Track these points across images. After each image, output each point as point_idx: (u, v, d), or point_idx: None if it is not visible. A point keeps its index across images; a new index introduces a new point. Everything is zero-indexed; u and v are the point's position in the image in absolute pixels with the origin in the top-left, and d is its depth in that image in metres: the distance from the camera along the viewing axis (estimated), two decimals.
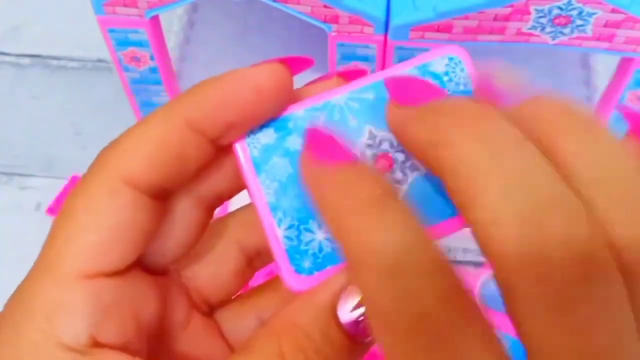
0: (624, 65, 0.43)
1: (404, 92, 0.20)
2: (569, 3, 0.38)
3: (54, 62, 0.61)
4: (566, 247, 0.17)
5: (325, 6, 0.40)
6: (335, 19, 0.41)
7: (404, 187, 0.22)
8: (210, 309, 0.26)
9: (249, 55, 0.58)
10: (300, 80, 0.26)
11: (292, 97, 0.23)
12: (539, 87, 0.21)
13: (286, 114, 0.23)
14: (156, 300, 0.23)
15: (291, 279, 0.22)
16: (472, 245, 0.53)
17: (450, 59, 0.24)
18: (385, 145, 0.22)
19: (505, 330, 0.46)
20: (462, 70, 0.23)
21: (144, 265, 0.23)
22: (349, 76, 0.24)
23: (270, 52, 0.58)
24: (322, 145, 0.20)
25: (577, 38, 0.40)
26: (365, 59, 0.44)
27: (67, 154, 0.55)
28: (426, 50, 0.42)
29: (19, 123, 0.57)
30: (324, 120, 0.23)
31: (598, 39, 0.40)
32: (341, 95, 0.23)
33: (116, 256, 0.21)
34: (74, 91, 0.59)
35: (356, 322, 0.20)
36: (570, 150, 0.18)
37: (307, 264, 0.22)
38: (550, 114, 0.19)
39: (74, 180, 0.51)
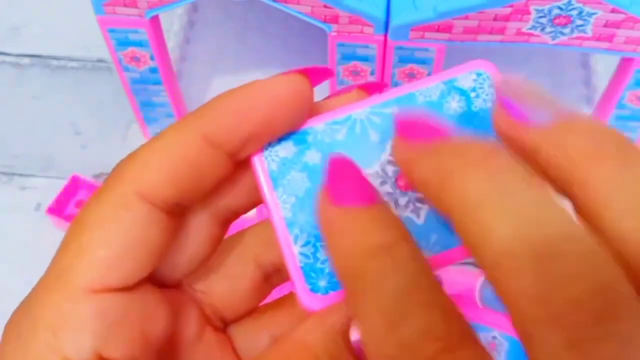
0: (624, 65, 0.43)
1: (412, 129, 0.20)
2: (569, 3, 0.38)
3: (54, 62, 0.61)
4: (583, 283, 0.16)
5: (325, 6, 0.40)
6: (335, 19, 0.41)
7: (425, 207, 0.22)
8: (224, 325, 0.25)
9: (249, 55, 0.58)
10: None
11: (312, 109, 0.23)
12: (566, 103, 0.20)
13: (306, 127, 0.23)
14: (166, 315, 0.22)
15: (306, 298, 0.21)
16: None
17: (479, 74, 0.23)
18: None
19: (505, 330, 0.46)
20: (490, 86, 0.23)
21: (155, 279, 0.23)
22: (370, 89, 0.24)
23: (270, 52, 0.58)
24: (342, 182, 0.20)
25: (577, 38, 0.40)
26: (365, 59, 0.44)
27: (67, 154, 0.55)
28: (426, 50, 0.42)
29: (19, 123, 0.57)
30: (344, 134, 0.22)
31: (598, 39, 0.40)
32: (362, 109, 0.23)
33: (126, 272, 0.21)
34: (74, 91, 0.59)
35: None
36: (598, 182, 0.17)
37: (322, 282, 0.21)
38: (580, 148, 0.18)
39: (74, 180, 0.51)
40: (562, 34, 0.40)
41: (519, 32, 0.40)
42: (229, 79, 0.57)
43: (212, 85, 0.57)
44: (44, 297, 0.21)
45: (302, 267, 0.21)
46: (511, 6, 0.38)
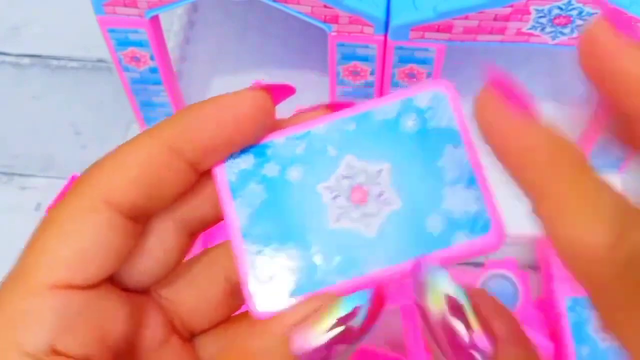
0: None
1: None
2: (569, 3, 0.38)
3: (54, 62, 0.61)
4: None
5: (325, 6, 0.40)
6: (335, 19, 0.41)
7: (377, 221, 0.22)
8: (191, 335, 0.26)
9: (249, 55, 0.58)
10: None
11: (274, 124, 0.24)
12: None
13: (267, 140, 0.24)
14: (126, 318, 0.23)
15: (255, 306, 0.22)
16: None
17: (436, 94, 0.24)
18: (362, 178, 0.23)
19: None
20: (446, 106, 0.24)
21: (120, 282, 0.23)
22: (336, 107, 0.25)
23: (270, 52, 0.58)
24: (506, 90, 0.19)
25: (577, 38, 0.40)
26: (365, 59, 0.44)
27: (67, 154, 0.55)
28: (426, 50, 0.42)
29: (19, 123, 0.57)
30: (303, 149, 0.23)
31: None
32: (323, 124, 0.24)
33: (88, 271, 0.22)
34: (74, 91, 0.59)
35: (316, 351, 0.20)
36: None
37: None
38: None
39: (74, 180, 0.51)
40: (562, 34, 0.40)
41: (519, 32, 0.40)
42: (229, 79, 0.57)
43: (212, 85, 0.57)
44: (6, 292, 0.22)
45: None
46: (511, 6, 0.38)
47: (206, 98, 0.56)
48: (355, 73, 0.45)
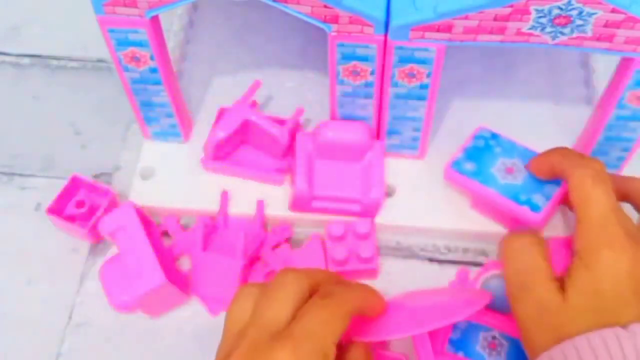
0: (624, 65, 0.43)
1: None
2: (569, 3, 0.38)
3: (54, 62, 0.61)
4: None
5: (325, 6, 0.40)
6: (335, 19, 0.41)
7: None
8: None
9: (249, 55, 0.58)
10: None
11: None
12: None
13: None
14: None
15: None
16: (472, 245, 0.54)
17: None
18: None
19: (505, 330, 0.46)
20: None
21: None
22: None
23: (270, 52, 0.58)
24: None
25: (577, 38, 0.40)
26: (365, 59, 0.44)
27: (67, 154, 0.55)
28: (426, 50, 0.42)
29: (19, 123, 0.57)
30: None
31: (598, 39, 0.40)
32: None
33: None
34: (74, 91, 0.59)
35: None
36: None
37: None
38: None
39: (74, 181, 0.51)
40: (562, 34, 0.40)
41: (519, 32, 0.40)
42: (229, 79, 0.57)
43: (212, 85, 0.57)
44: None
45: None
46: (511, 6, 0.38)
47: (206, 98, 0.56)
48: (355, 73, 0.45)
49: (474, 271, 0.49)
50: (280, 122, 0.50)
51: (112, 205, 0.50)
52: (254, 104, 0.53)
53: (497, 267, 0.48)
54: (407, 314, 0.39)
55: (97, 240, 0.50)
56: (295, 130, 0.50)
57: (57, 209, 0.50)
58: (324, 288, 0.37)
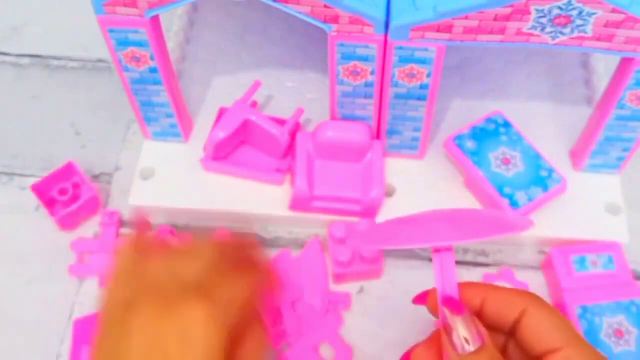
0: (624, 65, 0.43)
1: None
2: (569, 3, 0.38)
3: (54, 62, 0.61)
4: None
5: (325, 6, 0.40)
6: (335, 19, 0.41)
7: None
8: None
9: (249, 55, 0.58)
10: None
11: None
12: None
13: None
14: None
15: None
16: (472, 245, 0.54)
17: None
18: None
19: None
20: None
21: None
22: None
23: (270, 52, 0.58)
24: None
25: (577, 38, 0.40)
26: (365, 58, 0.44)
27: (67, 154, 0.55)
28: (426, 50, 0.42)
29: (19, 123, 0.57)
30: None
31: (598, 39, 0.40)
32: None
33: None
34: (74, 91, 0.59)
35: None
36: None
37: None
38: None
39: (68, 167, 0.51)
40: (562, 34, 0.40)
41: (519, 32, 0.40)
42: (229, 79, 0.57)
43: (212, 85, 0.57)
44: None
45: None
46: (511, 6, 0.38)
47: (206, 98, 0.56)
48: (355, 73, 0.45)
49: (474, 271, 0.49)
50: (280, 122, 0.50)
51: (91, 203, 0.51)
52: (254, 104, 0.53)
53: (495, 279, 0.48)
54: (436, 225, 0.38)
55: (65, 229, 0.51)
56: (295, 130, 0.51)
57: (41, 189, 0.51)
58: (239, 256, 0.39)
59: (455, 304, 0.33)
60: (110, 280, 0.37)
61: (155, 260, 0.37)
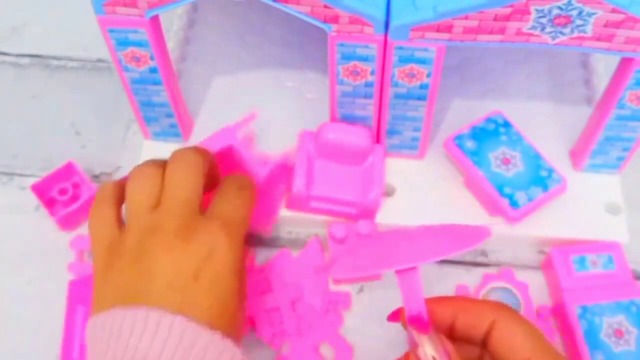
0: (624, 65, 0.43)
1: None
2: (569, 3, 0.38)
3: (54, 62, 0.61)
4: None
5: (325, 6, 0.40)
6: (335, 19, 0.41)
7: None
8: None
9: (249, 55, 0.58)
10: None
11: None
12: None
13: None
14: None
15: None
16: None
17: None
18: None
19: None
20: None
21: None
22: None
23: (270, 52, 0.58)
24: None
25: (577, 38, 0.40)
26: (365, 59, 0.44)
27: (67, 154, 0.55)
28: (426, 50, 0.42)
29: (19, 123, 0.57)
30: None
31: (598, 39, 0.40)
32: None
33: None
34: (74, 91, 0.59)
35: None
36: None
37: None
38: None
39: (68, 167, 0.51)
40: (562, 34, 0.40)
41: (519, 32, 0.40)
42: (229, 79, 0.57)
43: (212, 85, 0.57)
44: None
45: None
46: (511, 6, 0.38)
47: (206, 98, 0.56)
48: (355, 73, 0.45)
49: (472, 287, 0.49)
50: (263, 162, 0.48)
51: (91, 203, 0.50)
52: (250, 139, 0.52)
53: (495, 279, 0.48)
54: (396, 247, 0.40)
55: (65, 229, 0.51)
56: (277, 171, 0.49)
57: (41, 189, 0.51)
58: (233, 177, 0.43)
59: (421, 323, 0.35)
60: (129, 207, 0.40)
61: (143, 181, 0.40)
